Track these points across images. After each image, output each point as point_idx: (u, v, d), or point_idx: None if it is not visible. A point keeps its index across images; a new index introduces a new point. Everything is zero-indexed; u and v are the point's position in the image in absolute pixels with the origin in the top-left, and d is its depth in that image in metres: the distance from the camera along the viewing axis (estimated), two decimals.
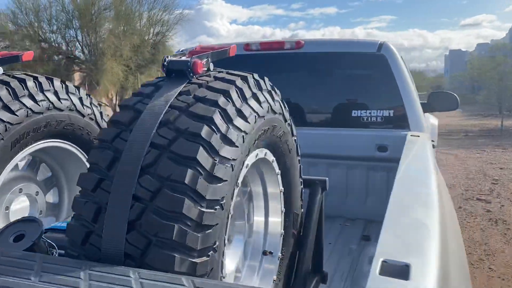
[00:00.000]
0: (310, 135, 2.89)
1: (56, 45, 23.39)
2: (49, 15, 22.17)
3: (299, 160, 1.82)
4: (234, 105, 1.25)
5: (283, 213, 1.77)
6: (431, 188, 1.64)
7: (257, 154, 1.48)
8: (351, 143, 2.82)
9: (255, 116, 1.33)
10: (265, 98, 1.44)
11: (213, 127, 1.15)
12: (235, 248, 1.65)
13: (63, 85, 2.02)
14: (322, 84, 3.05)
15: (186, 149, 1.11)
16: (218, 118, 1.18)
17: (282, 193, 1.75)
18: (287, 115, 1.66)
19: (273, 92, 1.53)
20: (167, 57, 1.35)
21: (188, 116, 1.17)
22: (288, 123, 1.68)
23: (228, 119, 1.21)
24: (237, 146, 1.21)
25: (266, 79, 1.52)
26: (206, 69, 1.39)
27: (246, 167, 1.39)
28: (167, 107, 1.19)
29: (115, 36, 22.60)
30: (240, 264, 1.66)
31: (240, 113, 1.26)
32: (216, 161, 1.13)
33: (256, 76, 1.45)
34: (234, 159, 1.19)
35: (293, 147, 1.75)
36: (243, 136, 1.24)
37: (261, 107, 1.39)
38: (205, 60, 1.38)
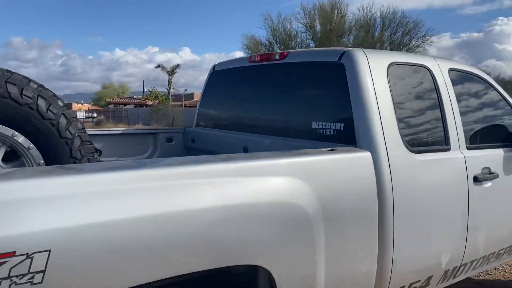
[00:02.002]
0: (263, 143, 2.88)
1: None
2: (293, 43, 25.01)
3: (67, 141, 2.05)
4: None
5: None
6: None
7: None
8: None
9: None
10: None
11: None
12: None
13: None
14: (291, 94, 2.93)
15: None
16: None
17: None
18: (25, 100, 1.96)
19: None
20: None
21: None
22: (31, 107, 1.96)
23: None
24: None
25: None
26: None
27: None
28: None
29: None
30: None
31: None
32: None
33: None
34: None
35: (48, 128, 2.00)
36: None
37: None
38: None
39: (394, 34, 25.69)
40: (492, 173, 2.91)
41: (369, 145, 2.32)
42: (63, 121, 2.01)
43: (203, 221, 1.62)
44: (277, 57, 2.98)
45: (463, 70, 3.11)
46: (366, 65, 2.46)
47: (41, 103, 1.97)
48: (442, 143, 2.72)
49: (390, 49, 25.80)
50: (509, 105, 3.36)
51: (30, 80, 1.97)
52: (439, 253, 2.62)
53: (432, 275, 2.65)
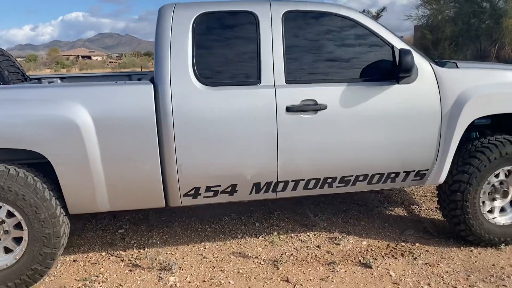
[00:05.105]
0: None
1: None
2: None
3: None
4: None
5: None
6: None
7: None
8: None
9: None
10: None
11: None
12: None
13: None
14: None
15: None
16: None
17: None
18: None
19: None
20: None
21: None
22: None
23: None
24: None
25: None
26: None
27: None
28: None
29: None
30: None
31: None
32: None
33: None
34: None
35: None
36: None
37: None
38: None
39: None
40: (316, 104, 3.26)
41: (158, 81, 3.14)
42: None
43: None
44: None
45: (309, 10, 3.38)
46: (168, 18, 3.20)
47: None
48: (251, 79, 3.24)
49: None
50: (382, 40, 3.41)
51: None
52: (237, 166, 3.25)
53: (237, 184, 3.31)
